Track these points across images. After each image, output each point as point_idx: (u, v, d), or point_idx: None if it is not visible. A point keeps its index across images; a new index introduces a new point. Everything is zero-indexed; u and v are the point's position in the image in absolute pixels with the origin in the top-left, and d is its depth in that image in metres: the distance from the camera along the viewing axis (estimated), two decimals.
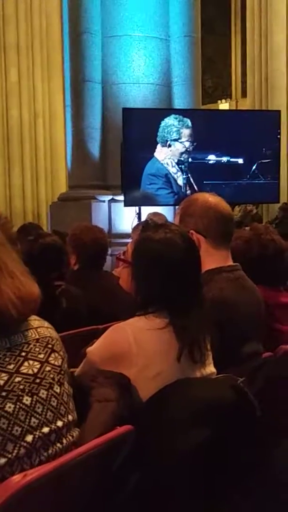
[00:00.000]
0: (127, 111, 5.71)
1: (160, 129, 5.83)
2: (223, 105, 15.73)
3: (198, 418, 1.36)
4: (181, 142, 5.89)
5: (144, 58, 6.04)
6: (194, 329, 1.44)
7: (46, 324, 1.26)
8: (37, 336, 1.20)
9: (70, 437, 1.18)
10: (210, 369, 1.53)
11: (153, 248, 1.47)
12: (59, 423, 1.15)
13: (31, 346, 1.18)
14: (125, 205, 5.85)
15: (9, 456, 1.06)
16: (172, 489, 1.36)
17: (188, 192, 5.93)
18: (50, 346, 1.21)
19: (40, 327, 1.23)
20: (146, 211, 5.77)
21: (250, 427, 1.46)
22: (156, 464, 1.33)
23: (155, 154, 5.84)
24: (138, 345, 1.40)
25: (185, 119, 5.90)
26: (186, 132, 5.91)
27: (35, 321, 1.24)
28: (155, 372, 1.40)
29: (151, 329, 1.42)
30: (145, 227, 1.61)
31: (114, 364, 1.41)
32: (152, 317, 1.44)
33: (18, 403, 1.10)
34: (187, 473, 1.35)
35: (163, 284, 1.45)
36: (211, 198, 1.92)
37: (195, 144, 5.92)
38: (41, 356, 1.18)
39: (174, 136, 5.86)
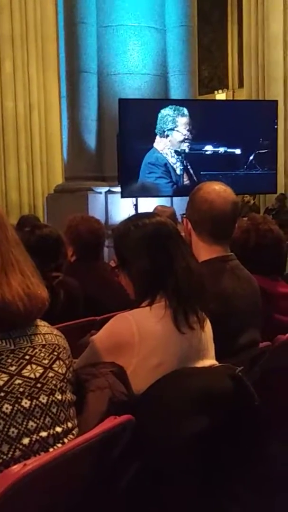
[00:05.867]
0: (123, 102, 5.69)
1: (158, 121, 5.82)
2: (220, 95, 15.70)
3: (196, 408, 1.36)
4: (178, 131, 5.87)
5: (140, 48, 6.01)
6: (185, 292, 1.45)
7: (55, 332, 1.26)
8: (44, 342, 1.20)
9: (72, 436, 1.18)
10: (212, 362, 1.53)
11: (136, 235, 1.50)
12: (58, 429, 1.15)
13: (36, 350, 1.17)
14: (122, 196, 5.83)
15: (4, 457, 1.06)
16: (170, 479, 1.37)
17: (187, 182, 5.93)
18: (56, 353, 1.20)
19: (48, 334, 1.22)
20: (143, 202, 5.76)
21: (248, 416, 1.47)
22: (154, 453, 1.34)
23: (154, 144, 5.83)
24: (141, 335, 1.40)
25: (180, 107, 5.88)
26: (182, 120, 5.89)
27: (44, 327, 1.23)
28: (156, 363, 1.40)
29: (154, 319, 1.42)
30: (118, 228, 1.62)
31: (116, 353, 1.41)
32: (156, 307, 1.44)
33: (16, 405, 1.09)
34: (185, 462, 1.36)
35: (152, 260, 1.47)
36: (213, 193, 1.84)
37: (193, 132, 5.90)
38: (45, 361, 1.17)
39: (170, 125, 5.85)
